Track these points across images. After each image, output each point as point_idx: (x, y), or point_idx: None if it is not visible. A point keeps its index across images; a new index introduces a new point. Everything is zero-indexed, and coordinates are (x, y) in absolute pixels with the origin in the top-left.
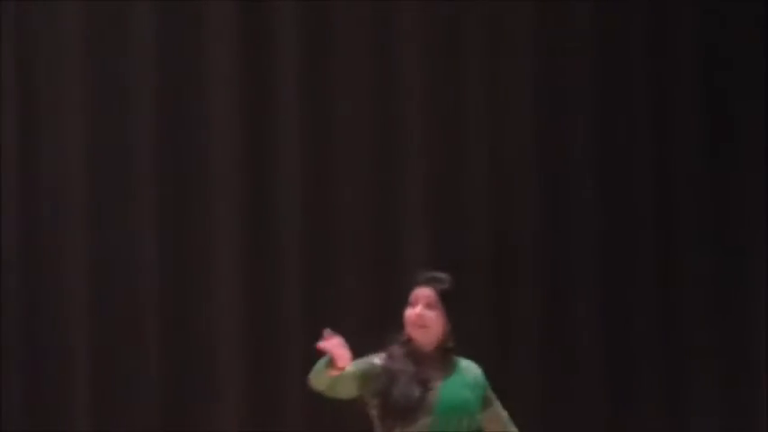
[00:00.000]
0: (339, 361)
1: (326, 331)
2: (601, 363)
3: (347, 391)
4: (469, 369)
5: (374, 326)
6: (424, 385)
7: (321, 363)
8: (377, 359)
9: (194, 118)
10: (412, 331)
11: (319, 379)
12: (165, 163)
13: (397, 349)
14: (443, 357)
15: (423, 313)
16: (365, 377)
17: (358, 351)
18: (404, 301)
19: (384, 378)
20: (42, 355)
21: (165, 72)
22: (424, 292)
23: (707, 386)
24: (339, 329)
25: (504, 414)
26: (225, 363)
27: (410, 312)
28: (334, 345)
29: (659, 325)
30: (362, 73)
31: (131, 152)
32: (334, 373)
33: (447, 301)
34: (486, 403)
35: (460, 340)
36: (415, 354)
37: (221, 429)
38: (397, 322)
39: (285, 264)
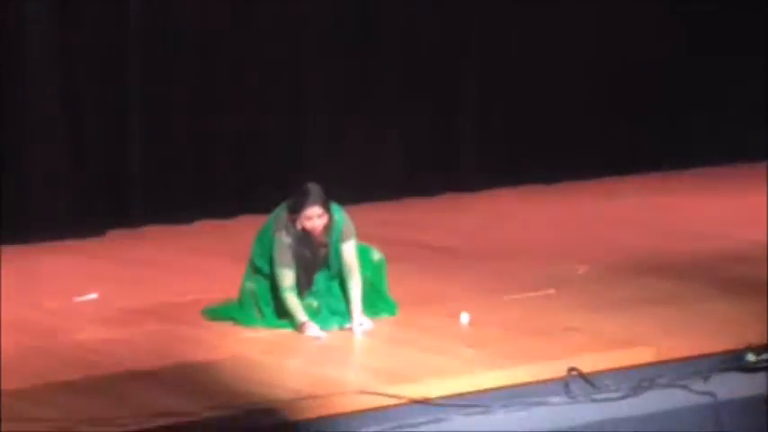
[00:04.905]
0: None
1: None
2: None
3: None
4: (338, 224)
5: None
6: (318, 250)
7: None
8: (287, 243)
9: None
10: (312, 232)
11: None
12: None
13: (298, 234)
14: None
15: (317, 224)
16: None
17: None
18: None
19: (293, 252)
20: None
21: None
22: (315, 210)
23: None
24: None
25: (353, 252)
26: None
27: (310, 225)
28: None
29: None
30: None
31: None
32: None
33: (326, 204)
34: (342, 239)
35: None
36: (310, 236)
37: None
38: None
39: None
